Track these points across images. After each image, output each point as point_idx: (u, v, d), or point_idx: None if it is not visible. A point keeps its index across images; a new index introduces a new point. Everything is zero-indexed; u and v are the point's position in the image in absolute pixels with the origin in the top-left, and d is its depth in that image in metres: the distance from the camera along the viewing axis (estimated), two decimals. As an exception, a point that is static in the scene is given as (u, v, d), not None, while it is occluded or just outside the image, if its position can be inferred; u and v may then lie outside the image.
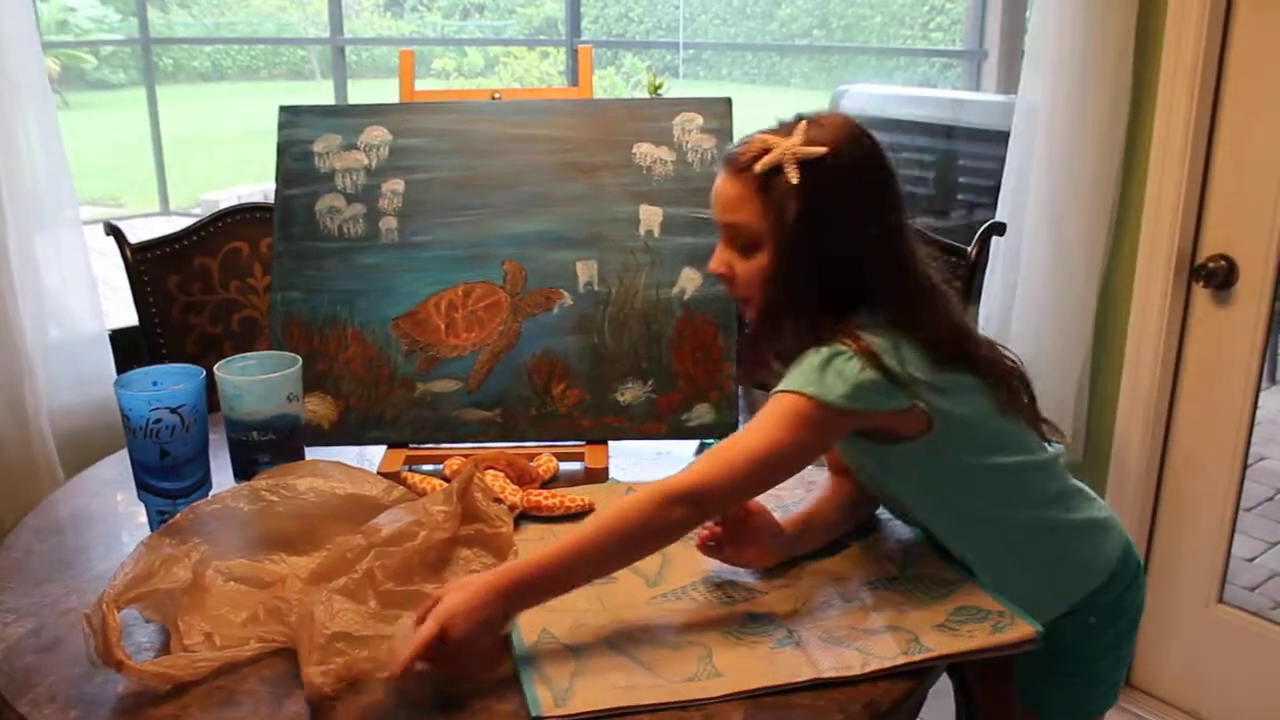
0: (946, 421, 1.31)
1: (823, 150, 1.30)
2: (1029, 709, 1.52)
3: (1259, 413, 3.96)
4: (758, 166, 1.31)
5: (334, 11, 4.61)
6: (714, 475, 1.25)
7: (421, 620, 1.14)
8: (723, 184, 1.36)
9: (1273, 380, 4.44)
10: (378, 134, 1.72)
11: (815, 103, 4.09)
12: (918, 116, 3.56)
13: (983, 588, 1.34)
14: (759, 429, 1.27)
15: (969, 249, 2.01)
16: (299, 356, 1.50)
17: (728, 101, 1.72)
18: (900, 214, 1.36)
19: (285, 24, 11.30)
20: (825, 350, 1.28)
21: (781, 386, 1.28)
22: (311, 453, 1.61)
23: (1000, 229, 2.07)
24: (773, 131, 1.34)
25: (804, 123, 1.33)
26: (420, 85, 1.85)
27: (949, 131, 3.46)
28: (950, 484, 1.38)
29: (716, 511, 1.33)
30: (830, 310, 1.32)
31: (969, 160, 3.37)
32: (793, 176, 1.29)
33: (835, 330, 1.30)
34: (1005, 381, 1.38)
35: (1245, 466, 2.34)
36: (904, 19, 9.60)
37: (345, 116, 1.75)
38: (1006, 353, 1.42)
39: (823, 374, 1.26)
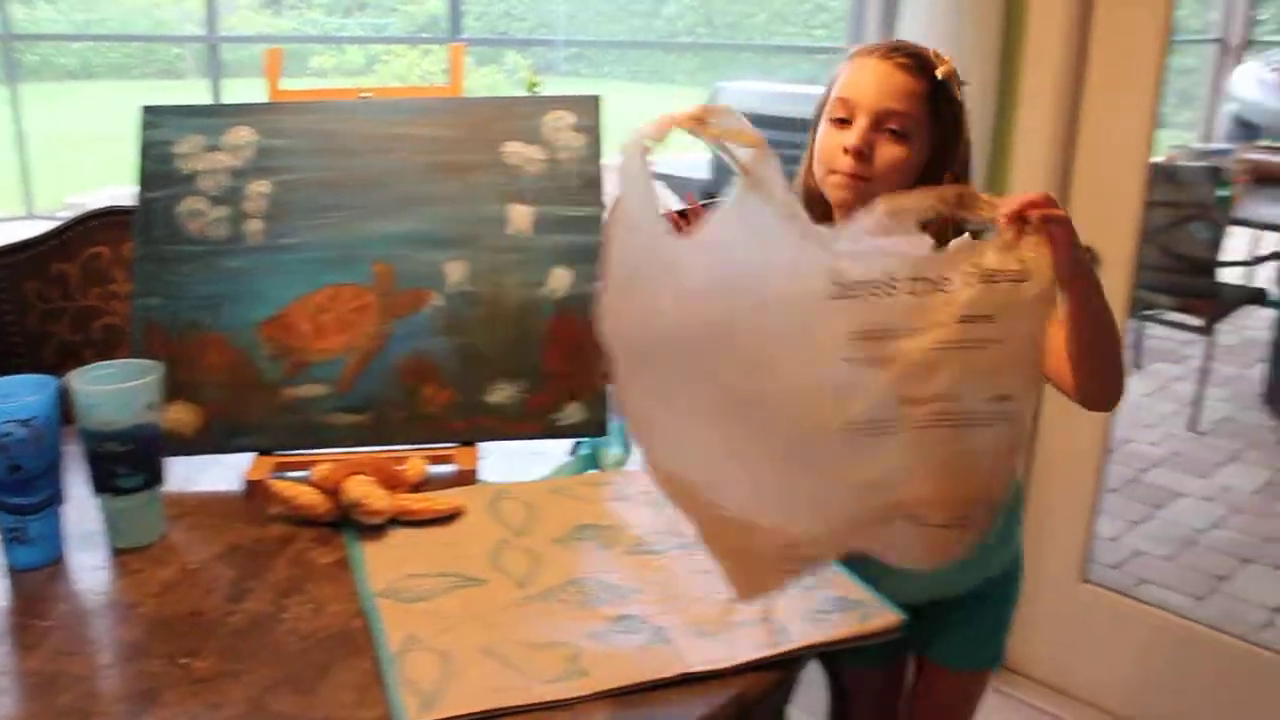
0: None
1: (967, 84, 1.49)
2: (926, 662, 1.65)
3: (1126, 397, 4.08)
4: (941, 73, 1.43)
5: (209, 8, 4.50)
6: None
7: None
8: (890, 73, 1.42)
9: (1137, 366, 4.59)
10: (243, 135, 1.68)
11: (698, 100, 4.12)
12: (797, 113, 3.60)
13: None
14: None
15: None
16: (159, 364, 1.46)
17: (597, 99, 1.72)
18: None
19: (160, 21, 11.01)
20: None
21: None
22: (174, 463, 1.58)
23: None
24: (931, 49, 1.46)
25: (945, 55, 1.47)
26: (299, 84, 1.82)
27: (825, 128, 3.50)
28: None
29: None
30: None
31: (844, 156, 3.41)
32: (958, 93, 1.46)
33: None
34: None
35: (1107, 450, 2.42)
36: (787, 16, 9.71)
37: (209, 117, 1.71)
38: None
39: None
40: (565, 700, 1.13)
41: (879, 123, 1.42)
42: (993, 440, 1.11)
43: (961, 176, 1.48)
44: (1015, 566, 1.65)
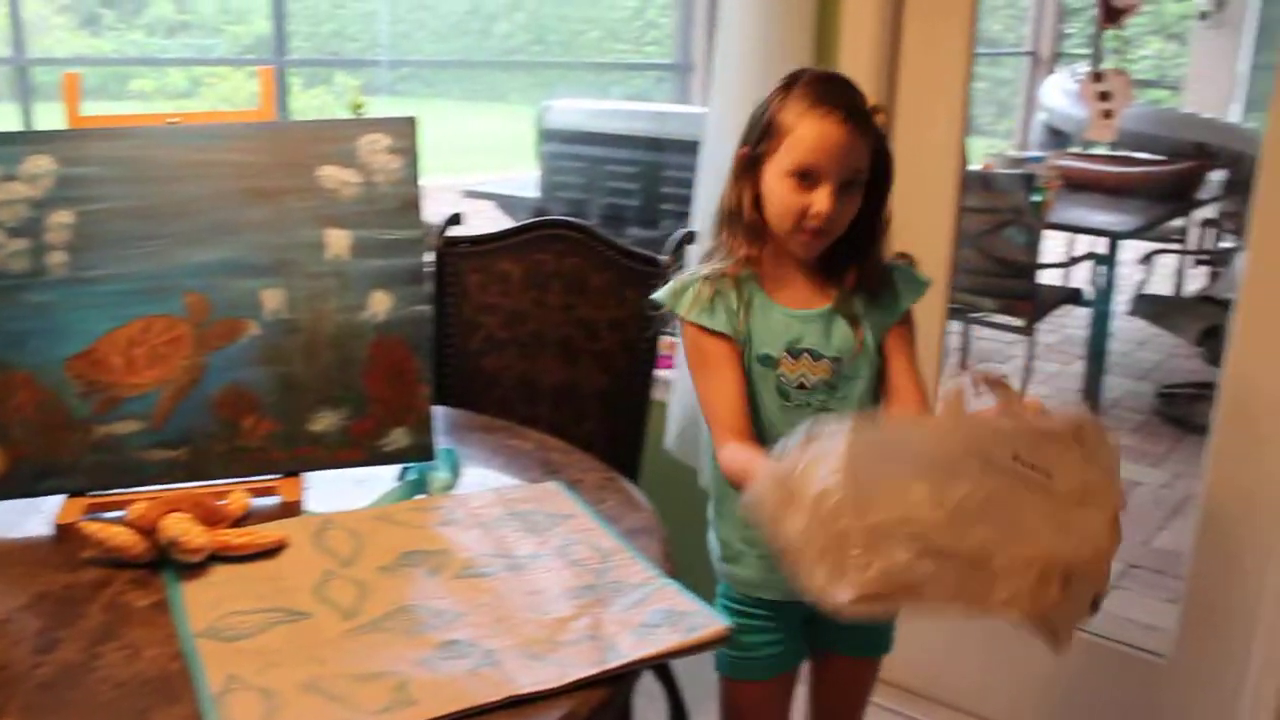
0: None
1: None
2: (825, 651, 1.75)
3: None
4: (879, 123, 1.54)
5: (15, 28, 4.31)
6: None
7: None
8: (851, 138, 1.50)
9: (964, 367, 4.74)
10: (42, 163, 1.61)
11: (531, 118, 4.11)
12: (623, 130, 3.62)
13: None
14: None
15: (663, 258, 2.06)
16: (-45, 406, 1.40)
17: (413, 121, 1.70)
18: None
19: (-36, 44, 10.50)
20: (900, 264, 1.66)
21: (922, 292, 1.65)
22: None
23: (692, 237, 2.13)
24: (853, 85, 1.54)
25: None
26: (123, 108, 1.75)
27: (655, 144, 3.53)
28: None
29: None
30: None
31: (674, 172, 3.44)
32: (881, 123, 1.56)
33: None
34: None
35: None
36: (619, 34, 9.79)
37: (4, 144, 1.63)
38: None
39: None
40: (393, 731, 1.11)
41: (843, 184, 1.51)
42: None
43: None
44: None
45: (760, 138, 1.55)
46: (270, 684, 1.18)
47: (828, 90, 1.51)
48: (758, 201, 1.57)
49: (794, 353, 1.59)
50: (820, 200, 1.50)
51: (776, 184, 1.53)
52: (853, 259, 1.59)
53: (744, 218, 1.58)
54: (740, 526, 1.66)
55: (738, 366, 1.59)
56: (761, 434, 1.59)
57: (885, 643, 1.83)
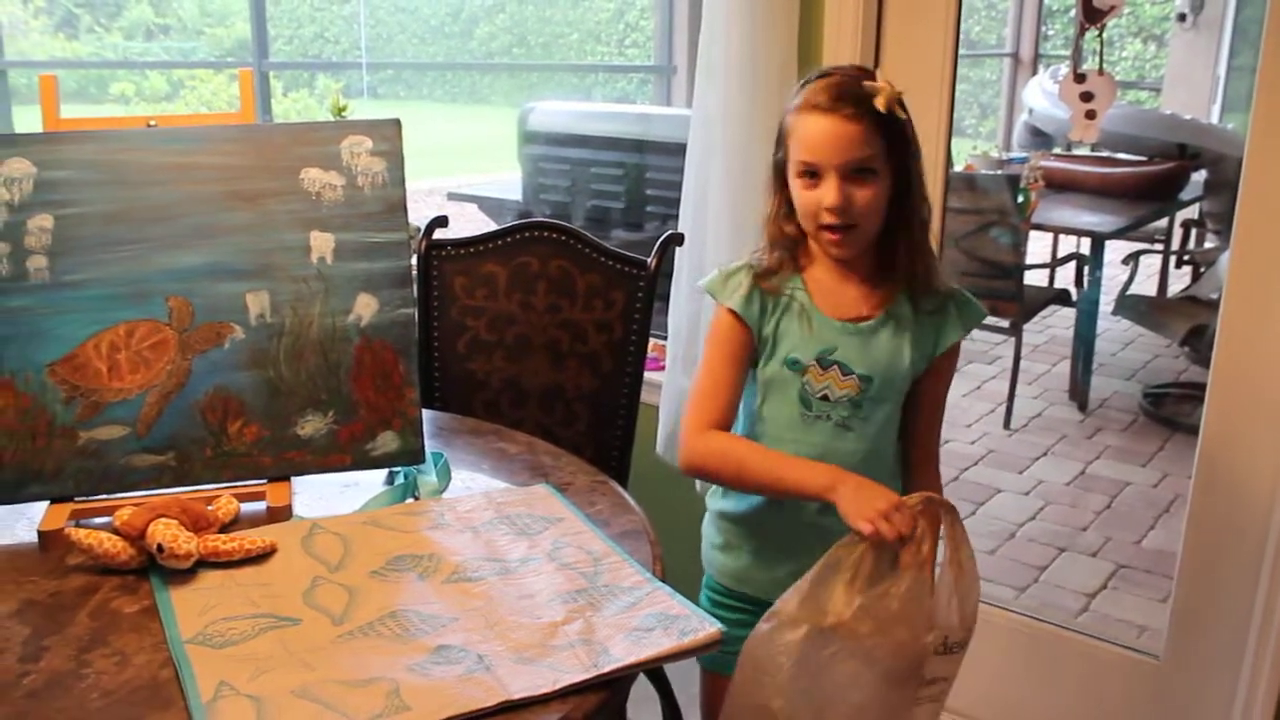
0: None
1: (902, 91, 1.54)
2: None
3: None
4: (881, 106, 1.50)
5: (-11, 32, 4.29)
6: None
7: None
8: (840, 128, 1.50)
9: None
10: (19, 167, 1.59)
11: (513, 120, 4.10)
12: (607, 132, 3.62)
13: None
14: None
15: (649, 260, 2.05)
16: (-64, 412, 1.38)
17: (397, 123, 1.69)
18: None
19: (-58, 48, 10.43)
20: (956, 287, 1.64)
21: (972, 327, 1.63)
22: None
23: (679, 239, 2.12)
24: (854, 76, 1.53)
25: (871, 70, 1.59)
26: (103, 112, 1.74)
27: (639, 146, 3.53)
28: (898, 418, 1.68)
29: None
30: None
31: (658, 174, 3.44)
32: (900, 112, 1.53)
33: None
34: None
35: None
36: (600, 35, 9.78)
37: (-20, 149, 1.62)
38: None
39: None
40: (384, 738, 1.10)
41: (847, 174, 1.51)
42: None
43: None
44: None
45: (778, 146, 1.60)
46: (261, 691, 1.17)
47: (822, 86, 1.53)
48: (792, 208, 1.60)
49: (824, 363, 1.60)
50: (826, 193, 1.52)
51: (794, 187, 1.57)
52: (899, 255, 1.59)
53: (774, 224, 1.63)
54: (736, 520, 1.66)
55: (744, 364, 1.62)
56: (760, 439, 1.61)
57: None
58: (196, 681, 1.18)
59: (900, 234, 1.57)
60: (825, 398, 1.60)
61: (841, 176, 1.51)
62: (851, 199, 1.51)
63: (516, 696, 1.17)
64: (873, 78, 1.54)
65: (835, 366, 1.59)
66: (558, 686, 1.19)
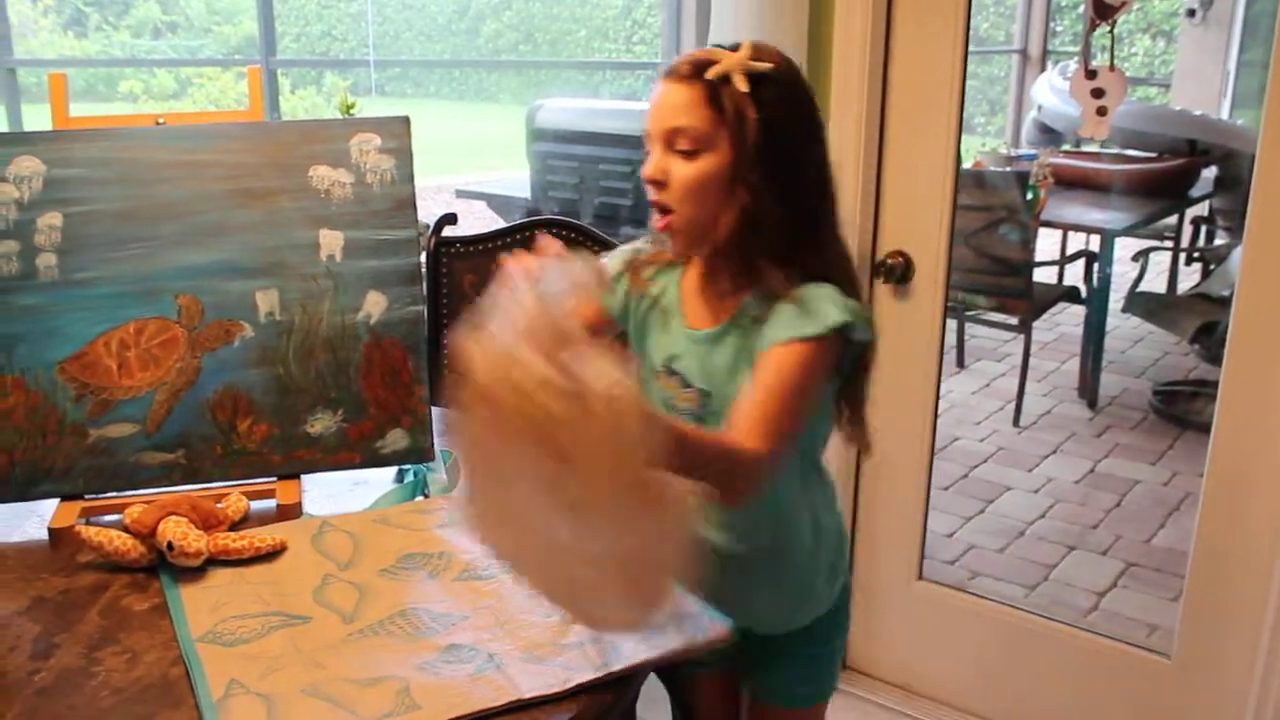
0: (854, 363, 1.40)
1: (769, 66, 1.33)
2: (755, 698, 1.59)
3: (952, 395, 4.20)
4: (709, 73, 1.31)
5: (0, 30, 4.30)
6: (784, 441, 1.27)
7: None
8: (666, 91, 1.34)
9: (961, 365, 4.74)
10: (29, 165, 1.59)
11: (521, 118, 4.10)
12: (615, 129, 3.61)
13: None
14: (800, 383, 1.29)
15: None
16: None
17: (406, 120, 1.69)
18: (828, 149, 1.40)
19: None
20: (827, 286, 1.33)
21: (810, 331, 1.29)
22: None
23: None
24: (716, 48, 1.34)
25: (747, 42, 1.34)
26: (111, 110, 1.74)
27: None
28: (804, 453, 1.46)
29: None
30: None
31: (666, 170, 3.43)
32: (742, 85, 1.31)
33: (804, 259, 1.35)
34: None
35: (934, 448, 2.48)
36: (607, 33, 9.78)
37: (-10, 146, 1.62)
38: None
39: (846, 305, 1.32)
40: (394, 737, 1.10)
41: (669, 144, 1.35)
42: None
43: (792, 179, 1.35)
44: (844, 598, 1.58)
45: None
46: (272, 689, 1.17)
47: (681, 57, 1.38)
48: None
49: (669, 370, 1.45)
50: (646, 163, 1.38)
51: None
52: (752, 262, 1.37)
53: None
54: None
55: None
56: None
57: (818, 691, 1.63)
58: (207, 679, 1.18)
59: (748, 235, 1.35)
60: (672, 407, 1.44)
61: (665, 147, 1.35)
62: (668, 173, 1.34)
63: (527, 696, 1.16)
64: (747, 50, 1.33)
65: (677, 376, 1.45)
66: (568, 686, 1.18)
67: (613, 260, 1.52)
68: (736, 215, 1.34)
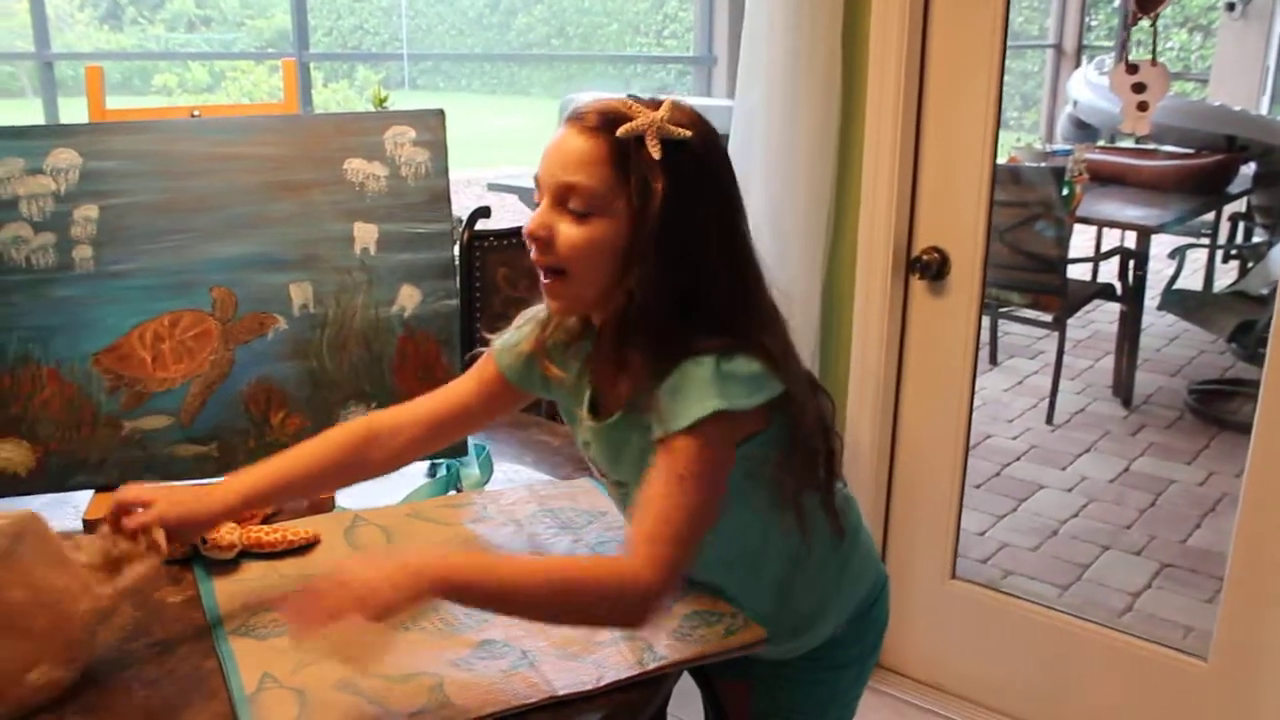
0: (783, 415, 1.25)
1: (687, 133, 1.20)
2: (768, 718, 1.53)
3: (984, 393, 4.17)
4: (620, 131, 1.18)
5: (38, 24, 4.34)
6: (679, 557, 1.15)
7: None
8: (568, 140, 1.21)
9: (994, 362, 4.70)
10: (65, 157, 1.60)
11: (553, 111, 4.09)
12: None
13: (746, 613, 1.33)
14: (691, 481, 1.16)
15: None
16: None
17: (441, 113, 1.68)
18: (746, 225, 1.27)
19: (-14, 39, 10.57)
20: (705, 359, 1.18)
21: (681, 424, 1.16)
22: (7, 504, 1.50)
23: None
24: (632, 101, 1.22)
25: (669, 101, 1.22)
26: (145, 102, 1.74)
27: (680, 137, 3.51)
28: (757, 498, 1.29)
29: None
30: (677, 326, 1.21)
31: (699, 165, 3.42)
32: (655, 151, 1.18)
33: (688, 345, 1.19)
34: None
35: (968, 445, 2.46)
36: (639, 26, 9.77)
37: (28, 139, 1.61)
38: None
39: (722, 383, 1.17)
40: (427, 733, 1.10)
41: (561, 200, 1.22)
42: None
43: (668, 267, 1.20)
44: (864, 629, 1.47)
45: None
46: (304, 683, 1.17)
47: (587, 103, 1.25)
48: None
49: (589, 456, 1.37)
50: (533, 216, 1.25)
51: None
52: (616, 350, 1.25)
53: None
54: None
55: (475, 382, 1.44)
56: None
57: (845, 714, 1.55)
58: (240, 673, 1.18)
59: (629, 325, 1.22)
60: (608, 493, 1.37)
61: (555, 202, 1.22)
62: (555, 233, 1.21)
63: (562, 693, 1.16)
64: (667, 111, 1.21)
65: (595, 463, 1.36)
66: (603, 684, 1.18)
67: (512, 338, 1.43)
68: (621, 300, 1.21)
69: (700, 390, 1.17)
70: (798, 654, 1.44)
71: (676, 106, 1.22)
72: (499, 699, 1.15)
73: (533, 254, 1.25)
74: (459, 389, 1.43)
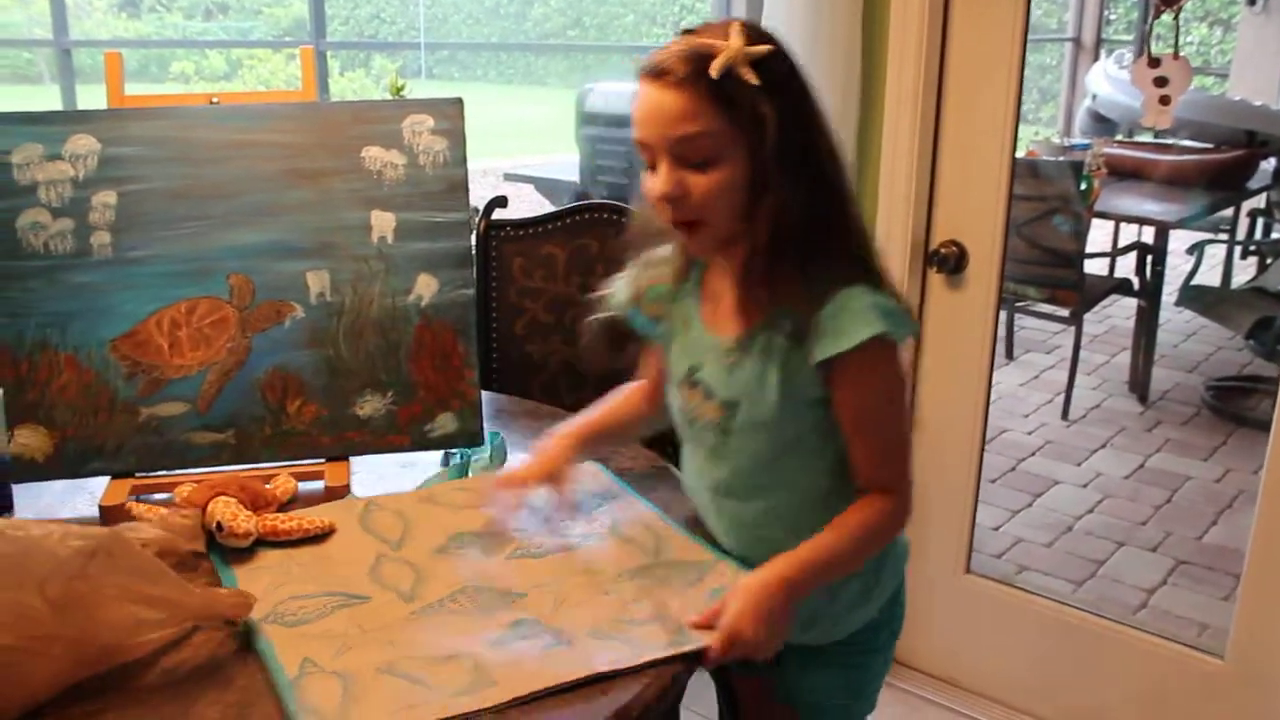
0: None
1: (770, 47, 1.22)
2: (793, 704, 1.53)
3: (1000, 387, 4.16)
4: (713, 71, 1.18)
5: (57, 11, 4.34)
6: (905, 472, 1.34)
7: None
8: (663, 97, 1.21)
9: (1010, 357, 4.69)
10: (84, 143, 1.60)
11: (569, 102, 4.08)
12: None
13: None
14: (890, 405, 1.33)
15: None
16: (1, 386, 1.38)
17: (459, 102, 1.68)
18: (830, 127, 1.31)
19: (6, 24, 10.61)
20: (857, 289, 1.25)
21: (854, 341, 1.23)
22: (25, 489, 1.51)
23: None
24: (700, 35, 1.23)
25: (735, 24, 1.23)
26: (161, 90, 1.74)
27: (697, 128, 3.50)
28: (832, 450, 1.35)
29: None
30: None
31: (716, 155, 3.41)
32: (751, 77, 1.19)
33: (836, 270, 1.27)
34: None
35: (984, 439, 2.45)
36: (655, 17, 9.75)
37: (47, 124, 1.61)
38: None
39: (882, 311, 1.24)
40: (479, 711, 1.11)
41: (680, 156, 1.24)
42: None
43: (812, 164, 1.26)
44: (892, 612, 1.50)
45: None
46: (346, 667, 1.17)
47: (652, 53, 1.25)
48: None
49: (691, 381, 1.37)
50: (656, 180, 1.26)
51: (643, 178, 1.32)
52: (769, 267, 1.27)
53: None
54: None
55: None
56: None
57: (851, 710, 1.56)
58: (279, 659, 1.18)
59: (783, 241, 1.25)
60: (693, 421, 1.38)
61: (674, 160, 1.24)
62: (686, 188, 1.24)
63: (603, 669, 1.16)
64: (740, 35, 1.21)
65: (699, 387, 1.36)
66: (641, 660, 1.18)
67: (619, 292, 1.49)
68: (769, 222, 1.24)
69: (865, 314, 1.24)
70: (837, 638, 1.45)
71: (745, 25, 1.24)
72: (542, 677, 1.15)
73: (666, 215, 1.28)
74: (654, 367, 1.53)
